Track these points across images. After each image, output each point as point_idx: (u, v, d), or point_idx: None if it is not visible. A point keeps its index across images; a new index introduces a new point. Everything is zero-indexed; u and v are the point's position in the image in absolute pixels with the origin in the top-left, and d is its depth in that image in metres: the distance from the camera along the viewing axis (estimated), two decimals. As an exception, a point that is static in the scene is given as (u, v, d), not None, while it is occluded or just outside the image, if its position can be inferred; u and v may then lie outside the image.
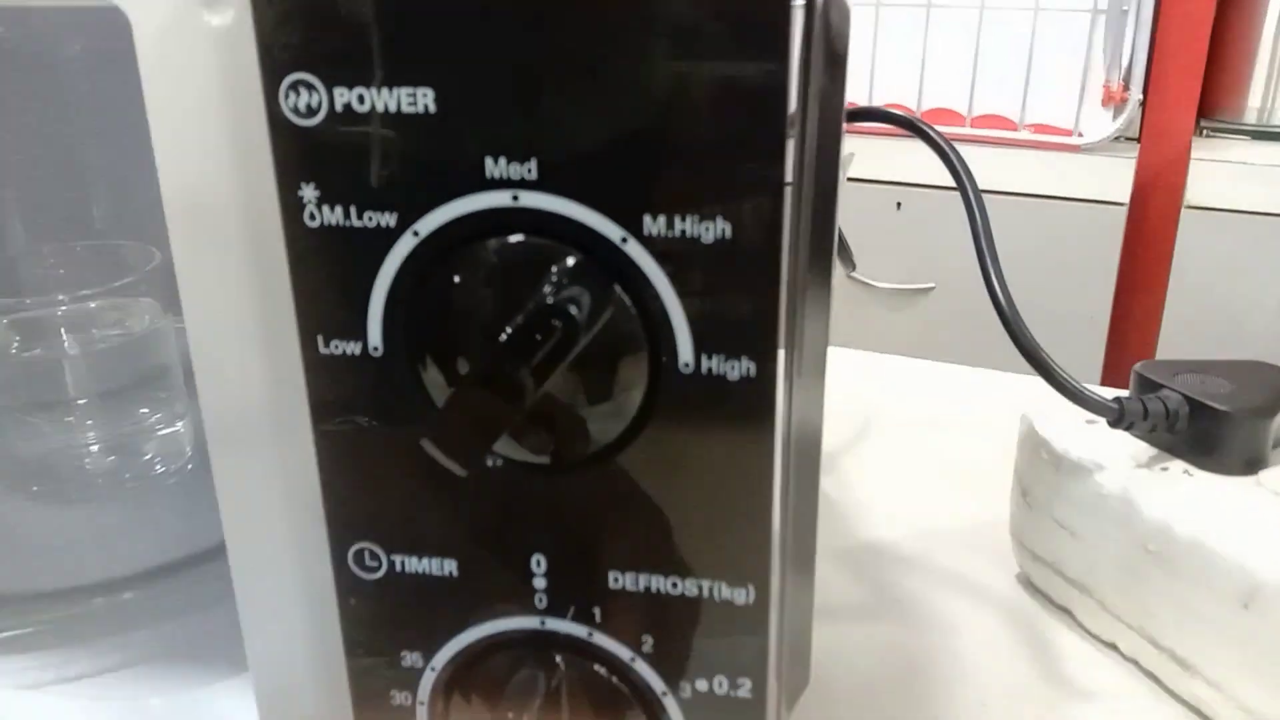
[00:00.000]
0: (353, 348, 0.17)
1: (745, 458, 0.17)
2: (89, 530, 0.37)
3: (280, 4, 0.16)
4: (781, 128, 0.16)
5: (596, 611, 0.19)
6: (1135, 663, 0.38)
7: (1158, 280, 1.31)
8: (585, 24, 0.15)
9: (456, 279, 0.16)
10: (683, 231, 0.16)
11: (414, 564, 0.19)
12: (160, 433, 0.40)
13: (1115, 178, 1.30)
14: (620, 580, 0.18)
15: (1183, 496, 0.35)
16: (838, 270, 0.49)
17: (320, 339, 0.18)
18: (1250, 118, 1.42)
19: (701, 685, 0.19)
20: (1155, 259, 1.32)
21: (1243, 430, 0.36)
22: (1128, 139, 1.33)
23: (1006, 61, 1.31)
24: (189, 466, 0.40)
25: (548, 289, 0.16)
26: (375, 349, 0.17)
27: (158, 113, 0.19)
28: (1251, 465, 0.36)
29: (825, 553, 0.44)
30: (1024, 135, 1.32)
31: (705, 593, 0.18)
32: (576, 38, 0.15)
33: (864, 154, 1.42)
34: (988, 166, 1.33)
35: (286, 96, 0.16)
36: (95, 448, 0.39)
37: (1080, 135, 1.30)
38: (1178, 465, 0.37)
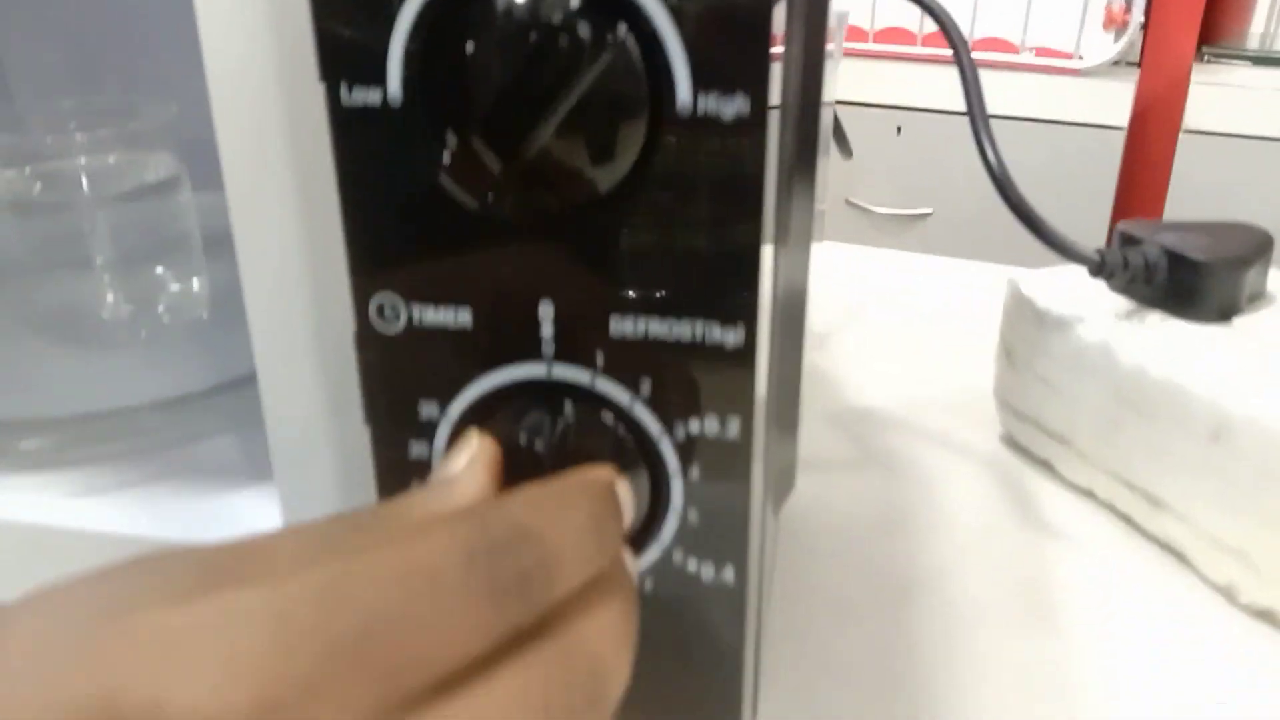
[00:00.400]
0: (373, 97, 0.19)
1: (737, 198, 0.18)
2: (107, 367, 0.38)
3: None
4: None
5: (599, 357, 0.20)
6: (1111, 507, 0.40)
7: (1155, 204, 1.32)
8: None
9: (469, 24, 0.18)
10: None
11: (430, 315, 0.20)
12: (175, 289, 0.41)
13: (1115, 102, 1.30)
14: (621, 326, 0.20)
15: (1158, 342, 0.37)
16: (836, 170, 0.49)
17: (343, 91, 0.19)
18: (1253, 43, 1.42)
19: (694, 427, 0.20)
20: (1153, 183, 1.33)
21: (1218, 279, 0.37)
22: (1128, 63, 1.33)
23: (1009, -16, 1.31)
24: (203, 316, 0.41)
25: (555, 28, 0.17)
26: (394, 99, 0.19)
27: None
28: (1226, 314, 0.38)
29: (813, 416, 0.46)
30: (1025, 58, 1.32)
31: (698, 334, 0.20)
32: None
33: (864, 77, 1.42)
34: (988, 89, 1.33)
35: None
36: (111, 298, 0.40)
37: (1081, 59, 1.30)
38: (1155, 316, 0.39)
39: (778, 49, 0.19)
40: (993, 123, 1.36)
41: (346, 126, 0.19)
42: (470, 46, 0.18)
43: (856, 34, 1.41)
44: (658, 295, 0.19)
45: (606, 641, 0.18)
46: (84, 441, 0.33)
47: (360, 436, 0.23)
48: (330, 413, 0.26)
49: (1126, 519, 0.39)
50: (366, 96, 0.19)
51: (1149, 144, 1.33)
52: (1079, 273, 0.41)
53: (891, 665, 0.32)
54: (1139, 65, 1.33)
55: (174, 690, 0.14)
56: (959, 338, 0.53)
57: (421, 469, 0.22)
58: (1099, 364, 0.38)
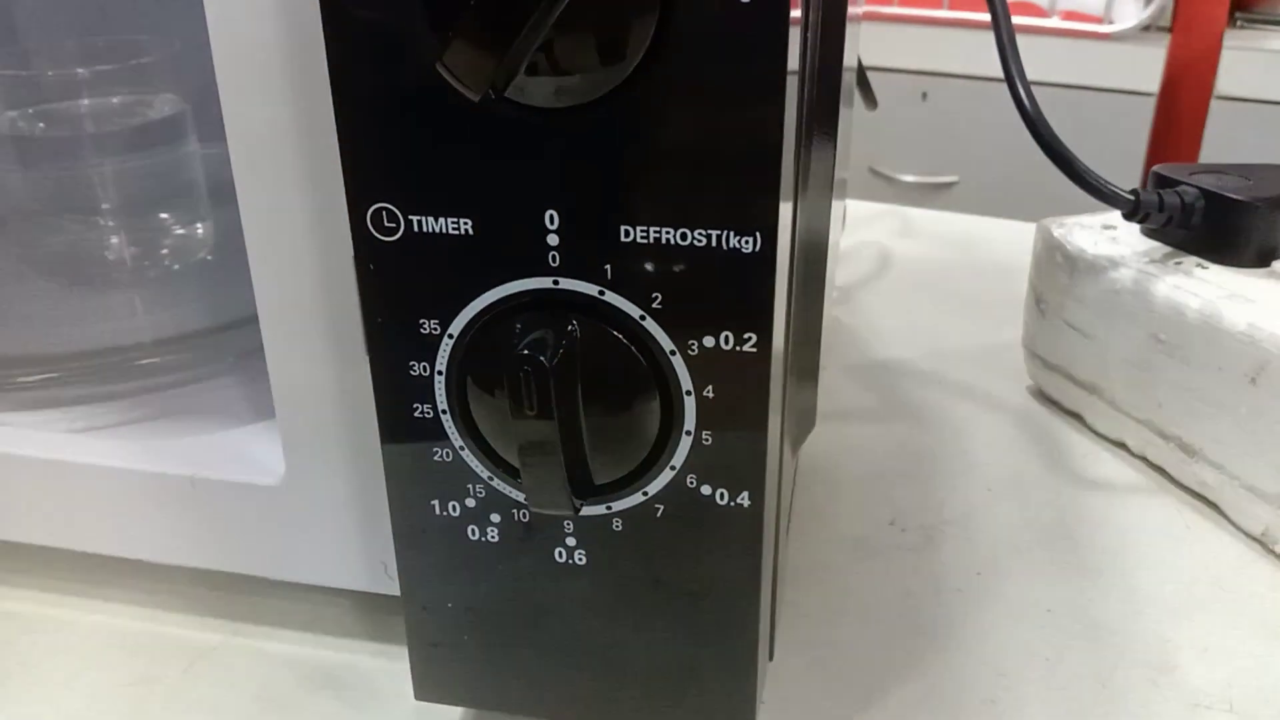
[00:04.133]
0: (370, -11, 0.18)
1: (756, 85, 0.17)
2: (110, 306, 0.38)
3: None
4: None
5: (608, 269, 0.19)
6: (1143, 458, 0.38)
7: (1185, 171, 1.29)
8: None
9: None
10: None
11: (431, 224, 0.19)
12: (179, 232, 0.41)
13: (1146, 67, 1.27)
14: (630, 234, 0.19)
15: (1195, 285, 0.35)
16: (860, 117, 0.48)
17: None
18: (1287, 8, 1.38)
19: (709, 341, 0.19)
20: (1184, 149, 1.30)
21: (1258, 220, 0.36)
22: (1159, 28, 1.30)
23: (1038, -54, 1.28)
24: (206, 258, 0.40)
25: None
26: (392, -12, 0.18)
27: None
28: (1264, 257, 0.36)
29: (840, 368, 0.45)
30: (1054, 23, 1.29)
31: (713, 242, 0.19)
32: None
33: (890, 42, 1.40)
34: (1015, 56, 1.31)
35: None
36: (116, 239, 0.40)
37: (1111, 23, 1.28)
38: (1191, 260, 0.37)
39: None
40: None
41: (339, 18, 0.18)
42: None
43: (881, -1, 1.39)
44: (670, 201, 0.18)
45: None
46: (85, 378, 0.32)
47: (361, 373, 0.23)
48: (331, 350, 0.25)
49: (1159, 469, 0.38)
50: (362, -15, 0.18)
51: (1180, 110, 1.30)
52: (1111, 218, 0.40)
53: (914, 605, 0.31)
54: (1170, 30, 1.30)
55: None
56: (987, 292, 0.52)
57: (422, 387, 0.21)
58: (1132, 308, 0.37)
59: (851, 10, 0.31)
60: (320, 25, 0.18)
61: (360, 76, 0.19)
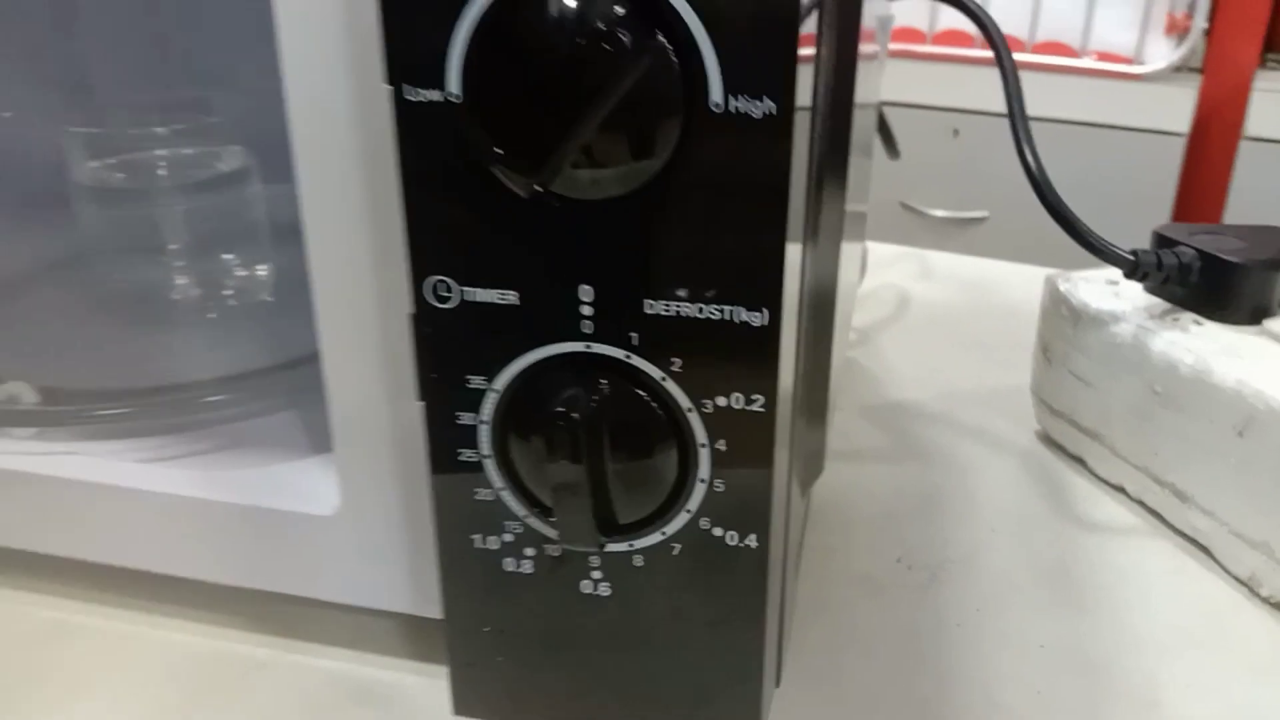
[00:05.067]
0: (433, 95, 0.21)
1: (763, 187, 0.20)
2: (176, 345, 0.41)
3: None
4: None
5: (634, 336, 0.22)
6: (1140, 502, 0.40)
7: (1214, 210, 1.31)
8: None
9: (521, 30, 0.19)
10: (717, -12, 0.19)
11: (481, 294, 0.22)
12: (241, 274, 0.44)
13: (1176, 108, 1.29)
14: (654, 307, 0.21)
15: (1190, 340, 0.38)
16: (882, 193, 0.51)
17: (405, 89, 0.21)
18: (1318, 50, 1.39)
19: (721, 400, 0.22)
20: (1213, 189, 1.32)
21: (1250, 280, 0.38)
22: (1190, 69, 1.32)
23: (1069, -12, 1.31)
24: (266, 299, 0.43)
25: (596, 28, 0.19)
26: (453, 95, 0.21)
27: None
28: (1257, 315, 0.38)
29: (855, 409, 0.47)
30: (1085, 63, 1.31)
31: (726, 316, 0.21)
32: None
33: (922, 80, 1.42)
34: (1048, 93, 1.33)
35: None
36: (182, 281, 0.43)
37: (1142, 64, 1.29)
38: (1188, 316, 0.39)
39: (807, 52, 0.20)
40: (1052, 126, 1.39)
41: (409, 121, 0.21)
42: (522, 50, 0.19)
43: (914, 36, 1.41)
44: (689, 279, 0.21)
45: None
46: (151, 413, 0.35)
47: (413, 412, 0.25)
48: (386, 391, 0.28)
49: (1155, 514, 0.40)
50: (428, 95, 0.21)
51: (1210, 150, 1.32)
52: (1115, 274, 0.42)
53: (916, 640, 0.33)
54: (1201, 71, 1.31)
55: None
56: (1001, 336, 0.54)
57: (468, 435, 0.24)
58: (1132, 361, 0.39)
59: (869, 50, 0.34)
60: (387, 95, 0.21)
61: (425, 168, 0.21)
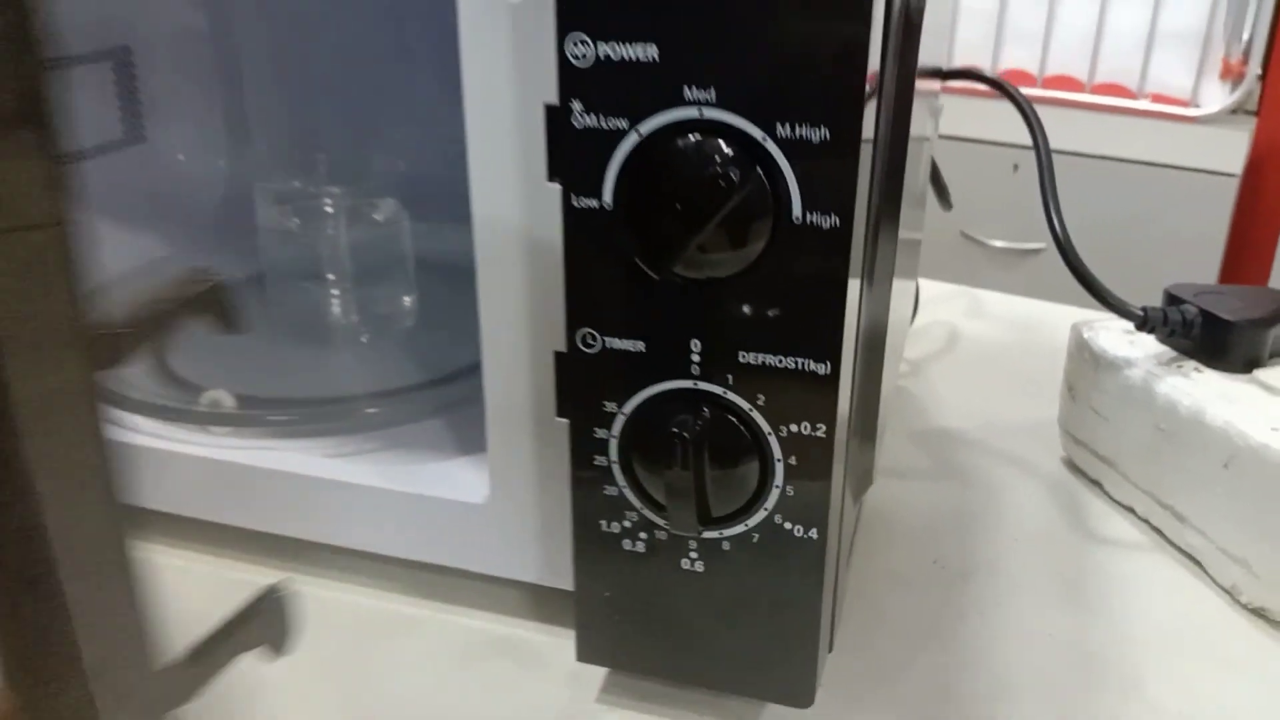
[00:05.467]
0: (592, 203, 0.29)
1: (828, 278, 0.27)
2: (338, 362, 0.50)
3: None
4: (863, 65, 0.26)
5: (730, 378, 0.29)
6: (1146, 521, 0.47)
7: (1266, 248, 1.35)
8: (743, 6, 0.26)
9: (658, 162, 0.27)
10: (799, 135, 0.26)
11: (617, 343, 0.30)
12: (391, 303, 0.52)
13: (1230, 149, 1.34)
14: (746, 357, 0.29)
15: (1190, 386, 0.44)
16: (937, 216, 0.58)
17: (573, 198, 0.29)
18: (1377, 95, 1.43)
19: (794, 428, 0.29)
20: (1265, 228, 1.36)
21: (1244, 336, 0.45)
22: (1245, 111, 1.36)
23: (1128, 32, 1.36)
24: (410, 325, 0.52)
25: (715, 167, 0.27)
26: (607, 204, 0.28)
27: (472, 69, 0.31)
28: (1249, 366, 0.45)
29: (905, 433, 0.55)
30: (1142, 104, 1.36)
31: (798, 366, 0.29)
32: (737, 15, 0.26)
33: (984, 116, 1.48)
34: (1106, 132, 1.38)
35: (568, 46, 0.27)
36: (342, 308, 0.52)
37: (1197, 106, 1.34)
38: (1190, 364, 0.46)
39: (865, 181, 0.28)
40: (1110, 164, 1.46)
41: (574, 219, 0.29)
42: (658, 177, 0.27)
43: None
44: (772, 339, 0.29)
45: None
46: (316, 420, 0.44)
47: (553, 425, 0.33)
48: (532, 408, 0.36)
49: (1158, 531, 0.46)
50: (589, 202, 0.29)
51: (1263, 191, 1.36)
52: (1131, 325, 0.49)
53: (942, 625, 0.40)
54: (1256, 114, 1.36)
55: None
56: (1039, 372, 0.61)
57: (601, 445, 0.32)
58: (1141, 401, 0.46)
59: (921, 133, 0.41)
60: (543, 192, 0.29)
61: (583, 251, 0.29)
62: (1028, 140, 1.66)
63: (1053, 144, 1.62)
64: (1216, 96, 1.34)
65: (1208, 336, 0.46)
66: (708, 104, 0.27)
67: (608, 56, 0.27)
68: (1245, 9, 1.29)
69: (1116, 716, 0.36)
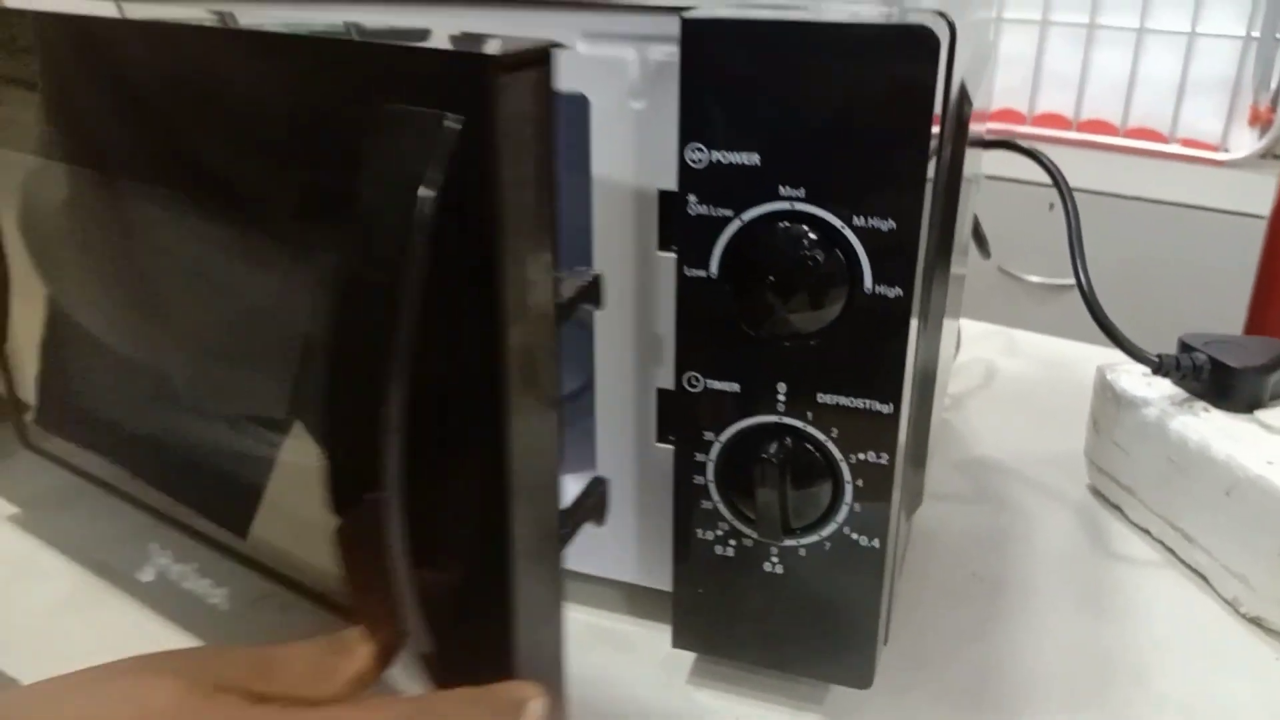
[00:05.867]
0: (701, 273, 0.36)
1: (893, 336, 0.34)
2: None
3: (692, 101, 0.35)
4: (923, 174, 0.33)
5: (809, 414, 0.36)
6: (1160, 542, 0.54)
7: (1293, 288, 1.40)
8: (829, 123, 0.33)
9: (757, 243, 0.34)
10: (871, 225, 0.33)
11: (716, 384, 0.37)
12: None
13: (1258, 192, 1.39)
14: (823, 398, 0.36)
15: (1198, 423, 0.51)
16: (977, 259, 0.65)
17: (685, 268, 0.36)
18: (1403, 140, 1.48)
19: (862, 456, 0.36)
20: (1292, 269, 1.41)
21: (1246, 381, 0.51)
22: (1273, 156, 1.42)
23: (1161, 79, 1.42)
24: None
25: (804, 248, 0.34)
26: (713, 274, 0.36)
27: (600, 160, 0.38)
28: (1251, 406, 0.52)
29: (946, 462, 0.62)
30: (1173, 148, 1.43)
31: (868, 406, 0.36)
32: (825, 130, 0.33)
33: (1022, 158, 1.55)
34: (1138, 175, 1.44)
35: (688, 153, 0.34)
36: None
37: (1227, 151, 1.40)
38: (1200, 405, 0.53)
39: (923, 262, 0.35)
40: (1143, 205, 1.53)
41: (686, 286, 0.36)
42: (756, 255, 0.35)
43: (1015, 117, 1.54)
44: (846, 383, 0.36)
45: None
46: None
47: (654, 449, 0.41)
48: (636, 433, 0.43)
49: (1169, 550, 0.53)
50: (698, 272, 0.36)
51: (1291, 232, 1.41)
52: (1148, 369, 0.56)
53: (978, 629, 0.47)
54: (1285, 158, 1.42)
55: None
56: (1068, 408, 0.67)
57: (699, 468, 0.39)
58: (1155, 436, 0.52)
59: (969, 157, 0.48)
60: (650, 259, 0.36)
61: (692, 311, 0.37)
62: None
63: (1088, 185, 1.70)
64: (1245, 142, 1.39)
65: (1215, 381, 0.52)
66: (798, 199, 0.34)
67: (719, 161, 0.35)
68: (1273, 59, 1.34)
69: (1128, 704, 0.43)
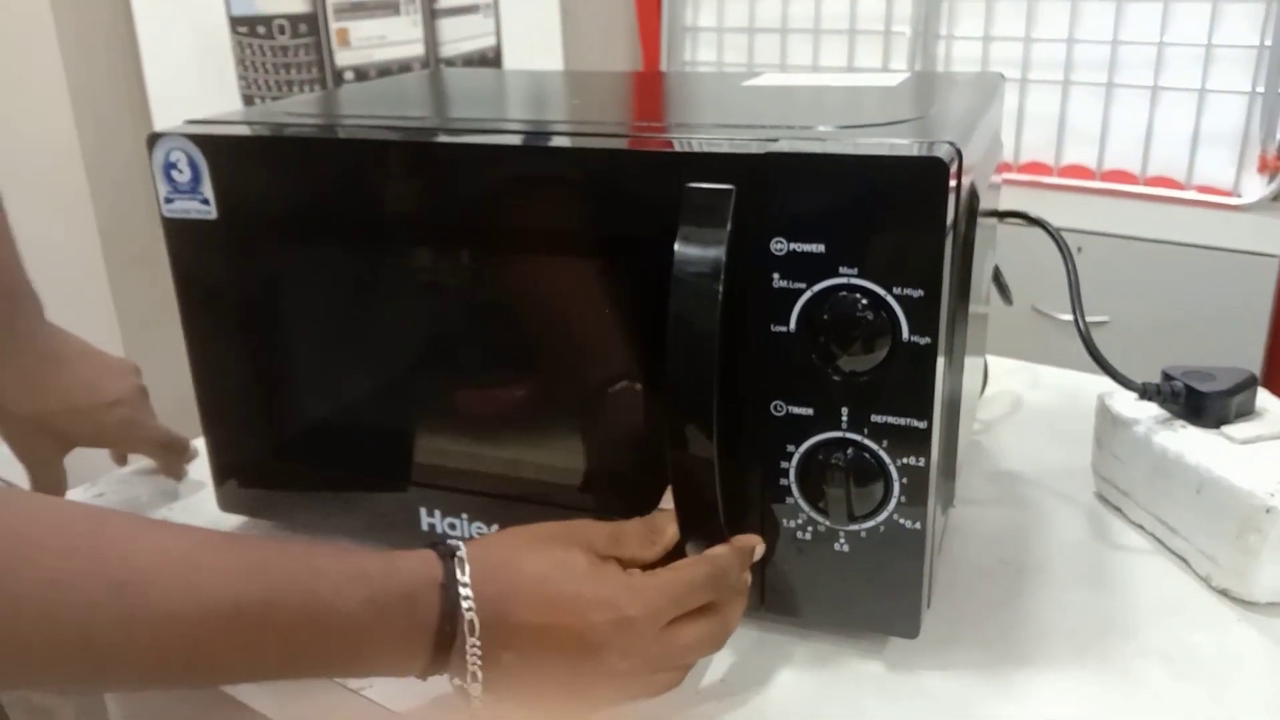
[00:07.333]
0: (783, 329, 0.49)
1: (926, 372, 0.48)
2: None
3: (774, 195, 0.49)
4: (942, 256, 0.47)
5: (866, 430, 0.50)
6: (1151, 535, 0.66)
7: (1306, 320, 1.51)
8: (874, 222, 0.47)
9: (825, 307, 0.48)
10: (906, 293, 0.47)
11: (793, 409, 0.51)
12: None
13: (1270, 234, 1.51)
14: (876, 419, 0.49)
15: (1176, 437, 0.64)
16: (1018, 300, 0.78)
17: (771, 325, 0.50)
18: None
19: (905, 460, 0.50)
20: (1306, 305, 1.52)
21: (1214, 403, 0.64)
22: (1284, 199, 1.54)
23: (1176, 131, 1.55)
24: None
25: (858, 310, 0.47)
26: (791, 329, 0.49)
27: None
28: (1219, 423, 0.64)
29: (977, 474, 0.75)
30: (1189, 194, 1.55)
31: (909, 423, 0.49)
32: (871, 227, 0.47)
33: (1050, 204, 1.68)
34: (1157, 219, 1.57)
35: (772, 244, 0.48)
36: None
37: (1239, 196, 1.52)
38: (1178, 423, 0.65)
39: (946, 315, 0.49)
40: (1162, 247, 1.68)
41: (771, 342, 0.50)
42: (824, 316, 0.49)
43: (1042, 169, 1.67)
44: (892, 407, 0.50)
45: (737, 615, 0.51)
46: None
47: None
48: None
49: (1158, 540, 0.65)
50: (780, 328, 0.50)
51: (1303, 269, 1.53)
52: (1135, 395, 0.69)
53: (1005, 600, 0.60)
54: (1295, 201, 1.53)
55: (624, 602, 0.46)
56: (1083, 432, 0.80)
57: (783, 472, 0.52)
58: (1145, 449, 0.65)
59: (985, 225, 0.61)
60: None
61: (773, 358, 0.51)
62: (1090, 227, 1.86)
63: (1112, 230, 1.82)
64: (1256, 187, 1.51)
65: (1190, 403, 0.65)
66: (853, 275, 0.48)
67: (795, 249, 0.49)
68: (1277, 112, 1.47)
69: (1121, 655, 0.56)
